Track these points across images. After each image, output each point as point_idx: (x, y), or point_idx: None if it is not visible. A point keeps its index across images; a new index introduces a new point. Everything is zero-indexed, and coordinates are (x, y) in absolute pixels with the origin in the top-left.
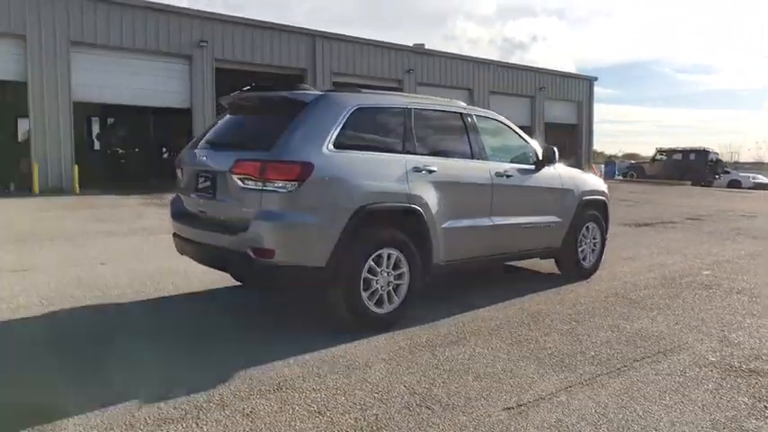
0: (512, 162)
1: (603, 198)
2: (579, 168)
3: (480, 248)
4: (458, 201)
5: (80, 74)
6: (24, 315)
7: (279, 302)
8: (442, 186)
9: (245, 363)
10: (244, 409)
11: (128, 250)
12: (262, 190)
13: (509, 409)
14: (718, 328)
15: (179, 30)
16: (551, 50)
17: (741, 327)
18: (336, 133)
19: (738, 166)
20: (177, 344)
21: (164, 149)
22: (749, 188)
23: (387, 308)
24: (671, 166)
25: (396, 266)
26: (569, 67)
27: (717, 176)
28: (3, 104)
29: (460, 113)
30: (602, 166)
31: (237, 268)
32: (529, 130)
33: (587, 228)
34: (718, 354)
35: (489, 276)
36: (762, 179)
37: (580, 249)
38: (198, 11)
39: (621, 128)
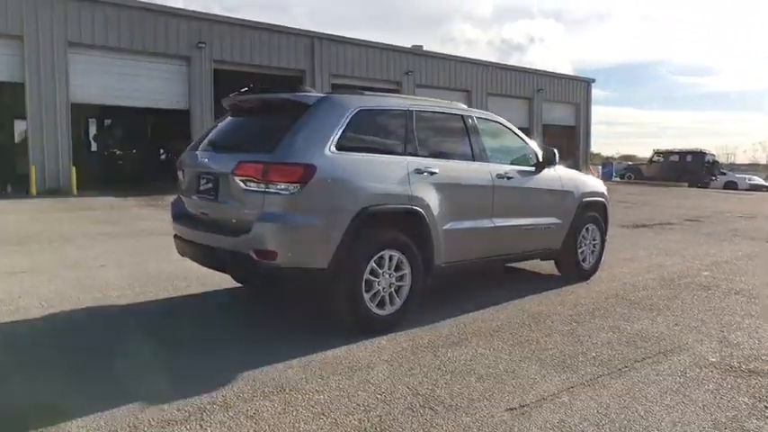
0: (512, 164)
1: (603, 200)
2: (577, 170)
3: (481, 250)
4: (459, 202)
5: (78, 75)
6: (25, 317)
7: (279, 304)
8: (444, 188)
9: (247, 364)
10: (247, 410)
11: (127, 252)
12: (264, 192)
13: (512, 409)
14: (718, 329)
15: (177, 31)
16: (548, 52)
17: (740, 327)
18: (339, 135)
19: (734, 167)
20: (179, 345)
21: (161, 151)
22: (745, 189)
23: (388, 309)
24: (668, 167)
25: (397, 268)
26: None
27: (713, 178)
28: (0, 106)
29: (461, 115)
30: (600, 167)
31: (240, 270)
32: (527, 131)
33: (587, 229)
34: (717, 354)
35: (489, 277)
36: (758, 180)
37: (580, 251)
38: (196, 12)
39: (618, 129)
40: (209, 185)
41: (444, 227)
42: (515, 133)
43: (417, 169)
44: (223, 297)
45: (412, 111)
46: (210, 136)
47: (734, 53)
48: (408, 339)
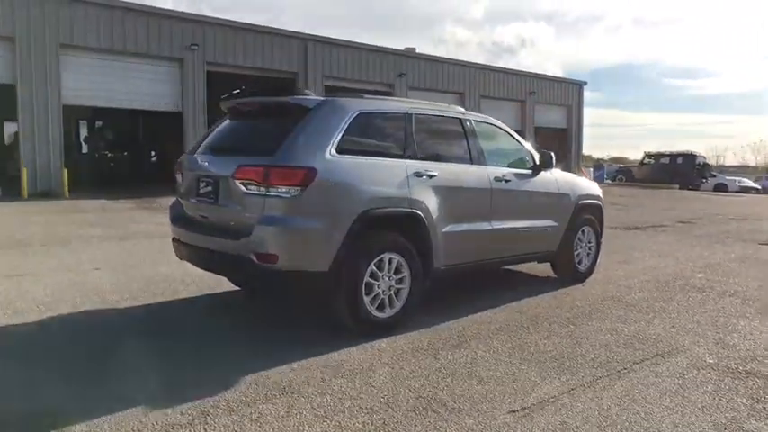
0: (509, 167)
1: (598, 202)
2: (570, 172)
3: (479, 252)
4: (458, 205)
5: (69, 77)
6: (22, 320)
7: (278, 306)
8: (443, 191)
9: (248, 367)
10: (251, 413)
11: (122, 255)
12: (265, 195)
13: (514, 412)
14: (714, 331)
15: (170, 33)
16: (540, 54)
17: (735, 329)
18: (339, 138)
19: (724, 169)
20: (179, 348)
21: (152, 153)
22: (735, 192)
23: (388, 312)
24: (659, 169)
25: (397, 271)
26: (557, 72)
27: (704, 180)
28: None
29: (459, 119)
30: (591, 169)
31: (240, 273)
32: (520, 134)
33: (583, 231)
34: (714, 356)
35: (487, 280)
36: (747, 182)
37: (576, 253)
38: (189, 14)
39: (608, 131)
40: (209, 189)
41: (443, 230)
42: (512, 136)
43: (417, 172)
44: (221, 300)
45: (411, 114)
46: (209, 139)
47: (724, 56)
48: (408, 342)
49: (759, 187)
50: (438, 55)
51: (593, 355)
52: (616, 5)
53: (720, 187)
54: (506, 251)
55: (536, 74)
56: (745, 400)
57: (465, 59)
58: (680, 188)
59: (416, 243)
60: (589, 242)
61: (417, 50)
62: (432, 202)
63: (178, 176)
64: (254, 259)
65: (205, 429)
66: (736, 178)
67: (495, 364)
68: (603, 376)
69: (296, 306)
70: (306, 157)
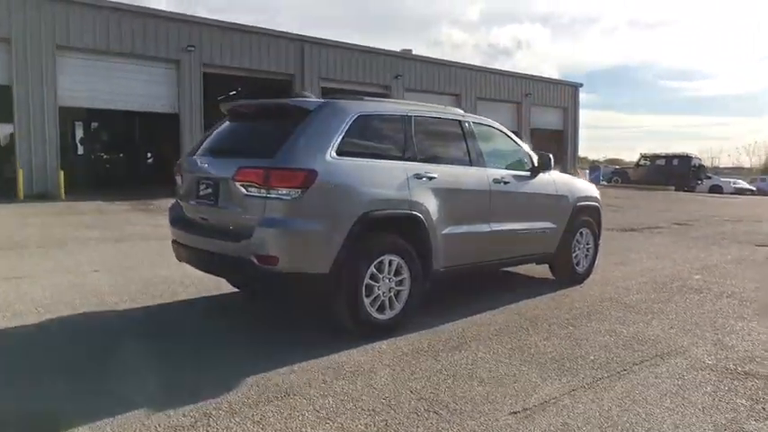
0: (508, 168)
1: (596, 204)
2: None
3: (479, 254)
4: (457, 207)
5: (66, 78)
6: (22, 323)
7: (278, 308)
8: (442, 193)
9: (249, 369)
10: (253, 415)
11: (119, 257)
12: (265, 197)
13: (515, 413)
14: (712, 332)
15: (166, 34)
16: (536, 56)
17: (733, 330)
18: (339, 140)
19: (719, 171)
20: (180, 350)
21: (148, 155)
22: (730, 193)
23: (388, 314)
24: (655, 171)
25: (397, 273)
26: (553, 73)
27: (699, 182)
28: None
29: (459, 120)
30: (587, 171)
31: (240, 275)
32: (516, 135)
33: (581, 233)
34: (713, 357)
35: (486, 282)
36: (742, 184)
37: (574, 254)
38: (185, 15)
39: (603, 133)
40: (209, 191)
41: (443, 231)
42: (511, 138)
43: (417, 174)
44: (219, 302)
45: (410, 116)
46: (209, 141)
47: (720, 58)
48: (408, 344)
49: (754, 189)
50: (434, 57)
51: (592, 357)
52: (612, 7)
53: (716, 189)
54: (505, 253)
55: (532, 75)
56: (744, 401)
57: (461, 61)
58: (675, 190)
59: (416, 245)
60: (587, 244)
61: (413, 52)
62: (431, 203)
63: (178, 178)
64: (255, 261)
65: (208, 431)
66: (731, 180)
67: (496, 365)
68: (604, 377)
69: (296, 308)
70: (306, 159)
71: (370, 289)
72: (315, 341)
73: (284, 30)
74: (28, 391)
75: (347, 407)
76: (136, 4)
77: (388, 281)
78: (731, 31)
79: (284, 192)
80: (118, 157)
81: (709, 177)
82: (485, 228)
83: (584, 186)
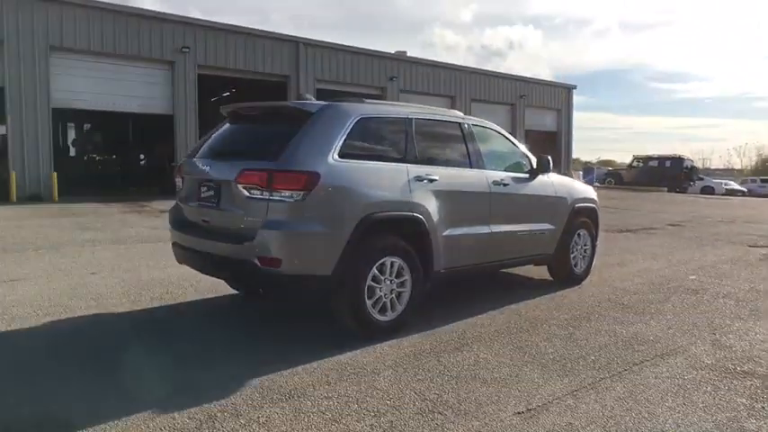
0: (507, 170)
1: (594, 205)
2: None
3: (479, 256)
4: (457, 209)
5: (59, 79)
6: (21, 326)
7: (278, 310)
8: (443, 195)
9: (252, 371)
10: (258, 417)
11: (117, 259)
12: (268, 199)
13: (520, 413)
14: (710, 332)
15: (161, 35)
16: (529, 58)
17: (731, 330)
18: (341, 143)
19: (710, 172)
20: (182, 353)
21: (141, 156)
22: (722, 194)
23: (390, 315)
24: (647, 172)
25: (398, 274)
26: (546, 75)
27: (691, 183)
28: None
29: (459, 123)
30: (581, 172)
31: (243, 277)
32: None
33: (579, 234)
34: (712, 357)
35: (485, 283)
36: (733, 185)
37: (572, 256)
38: (180, 16)
39: (598, 135)
40: (211, 193)
41: (443, 233)
42: (510, 140)
43: (418, 176)
44: (221, 304)
45: (411, 118)
46: (209, 143)
47: (712, 61)
48: (410, 345)
49: (745, 190)
50: (429, 58)
51: (593, 357)
52: (604, 10)
53: (707, 190)
54: (505, 254)
55: (526, 77)
56: (744, 400)
57: (455, 63)
58: (668, 191)
59: (417, 246)
60: (585, 245)
61: (407, 54)
62: (432, 205)
63: (178, 181)
64: (258, 263)
65: None
66: (723, 181)
67: (498, 366)
68: (605, 377)
69: (294, 309)
70: (309, 162)
71: (372, 290)
72: (317, 343)
73: (280, 31)
74: (31, 395)
75: (352, 408)
76: (129, 4)
77: (389, 282)
78: (724, 33)
79: (287, 194)
80: (111, 159)
81: (701, 179)
82: (485, 229)
83: (581, 188)
